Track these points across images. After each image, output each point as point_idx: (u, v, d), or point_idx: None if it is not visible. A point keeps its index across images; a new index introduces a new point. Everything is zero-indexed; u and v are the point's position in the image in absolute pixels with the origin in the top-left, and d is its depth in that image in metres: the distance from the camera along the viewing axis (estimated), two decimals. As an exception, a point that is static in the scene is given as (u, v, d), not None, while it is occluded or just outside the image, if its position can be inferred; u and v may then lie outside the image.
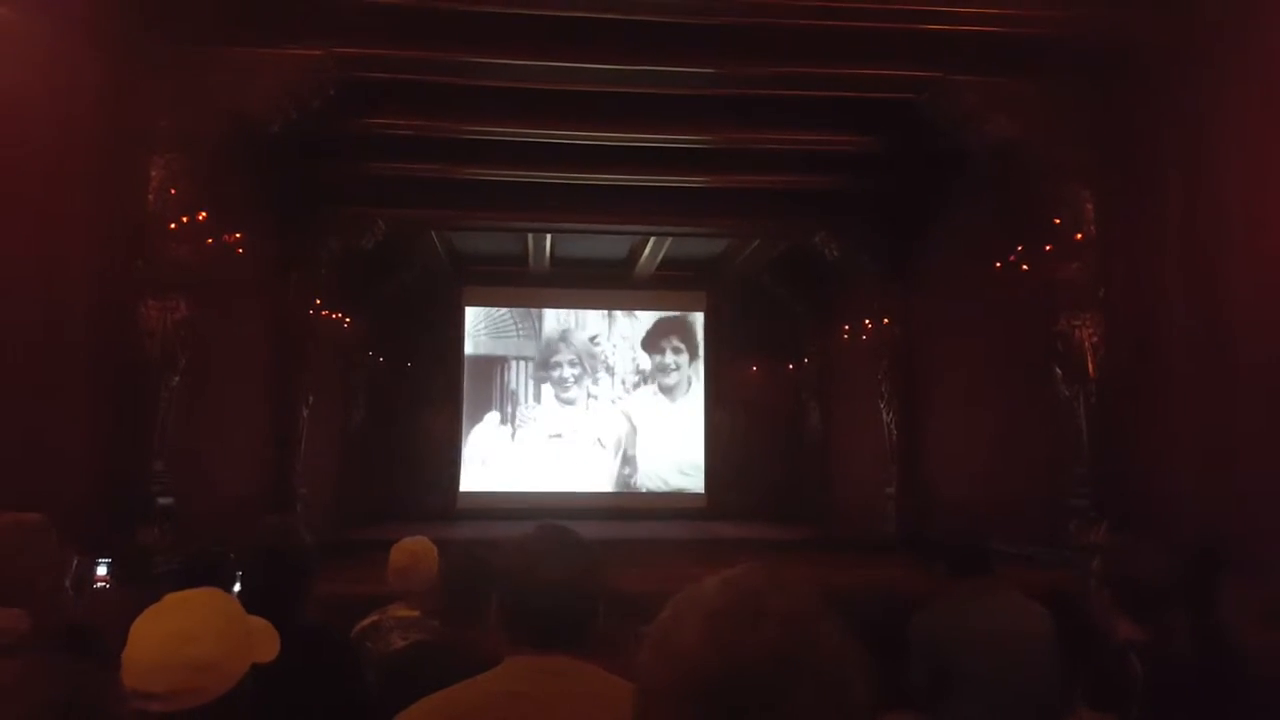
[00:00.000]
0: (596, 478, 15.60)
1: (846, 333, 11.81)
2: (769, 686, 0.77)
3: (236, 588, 2.62)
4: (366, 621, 3.05)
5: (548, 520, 1.68)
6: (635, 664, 0.83)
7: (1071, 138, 7.17)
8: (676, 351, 16.46)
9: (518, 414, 15.91)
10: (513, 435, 15.76)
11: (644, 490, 15.80)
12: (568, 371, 16.13)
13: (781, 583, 0.84)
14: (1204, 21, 6.23)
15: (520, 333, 16.14)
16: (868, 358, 11.47)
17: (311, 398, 10.49)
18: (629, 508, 14.98)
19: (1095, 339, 7.03)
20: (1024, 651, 2.73)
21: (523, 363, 16.09)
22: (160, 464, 6.68)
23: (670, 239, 13.24)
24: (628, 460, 15.99)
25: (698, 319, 16.40)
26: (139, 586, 5.20)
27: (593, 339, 16.28)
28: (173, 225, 6.57)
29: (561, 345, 16.18)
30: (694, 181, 10.44)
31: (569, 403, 16.07)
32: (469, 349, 15.90)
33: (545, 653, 1.50)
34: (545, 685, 1.46)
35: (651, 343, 16.45)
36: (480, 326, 16.01)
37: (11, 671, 1.84)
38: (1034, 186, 7.45)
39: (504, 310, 16.08)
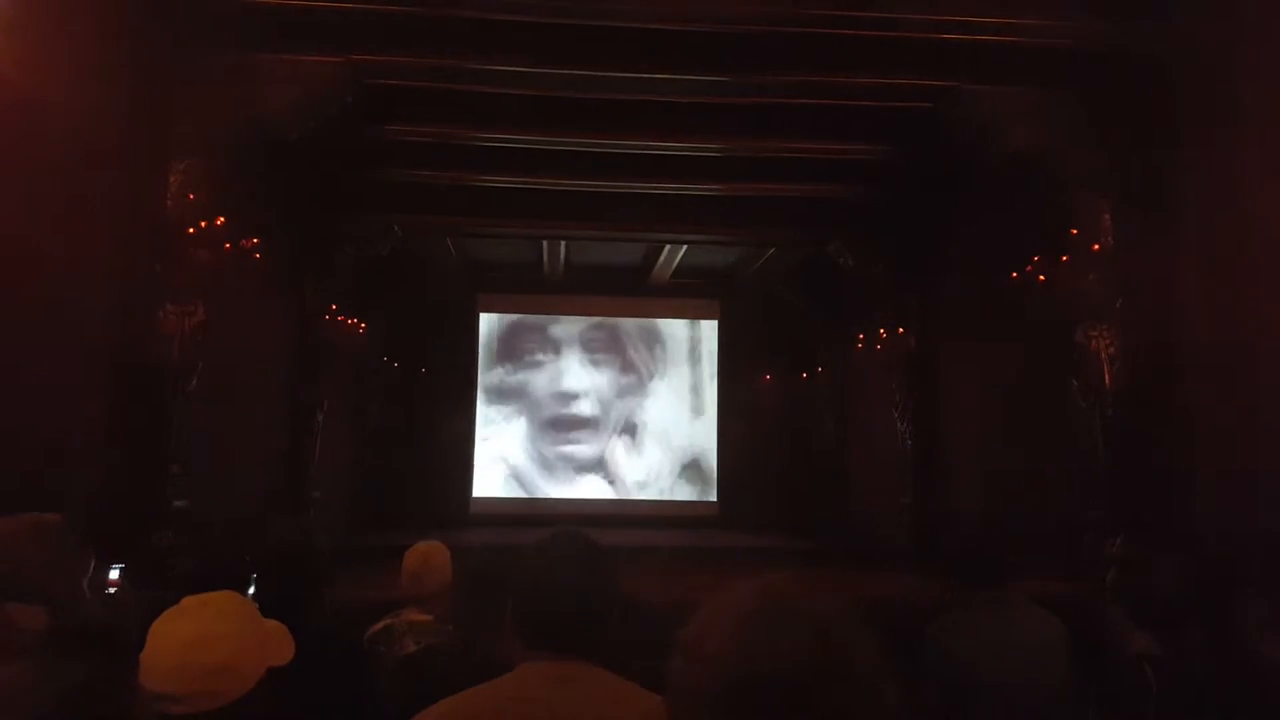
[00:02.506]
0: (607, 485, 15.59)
1: (861, 342, 11.76)
2: (801, 691, 0.77)
3: (250, 590, 2.63)
4: (379, 625, 3.05)
5: (563, 526, 1.68)
6: (667, 668, 0.84)
7: (1088, 148, 7.12)
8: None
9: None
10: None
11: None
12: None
13: (814, 590, 0.85)
14: (1222, 30, 6.20)
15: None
16: (882, 367, 11.41)
17: (327, 402, 10.53)
18: (641, 515, 14.96)
19: (1112, 350, 6.98)
20: (1038, 664, 2.71)
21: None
22: (176, 467, 6.71)
23: (685, 247, 13.23)
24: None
25: (710, 326, 16.37)
26: (154, 588, 5.22)
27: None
28: (191, 230, 6.61)
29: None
30: (709, 190, 10.44)
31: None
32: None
33: (559, 658, 1.50)
34: (558, 691, 1.46)
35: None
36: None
37: (28, 670, 1.86)
38: (1050, 197, 7.42)
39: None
